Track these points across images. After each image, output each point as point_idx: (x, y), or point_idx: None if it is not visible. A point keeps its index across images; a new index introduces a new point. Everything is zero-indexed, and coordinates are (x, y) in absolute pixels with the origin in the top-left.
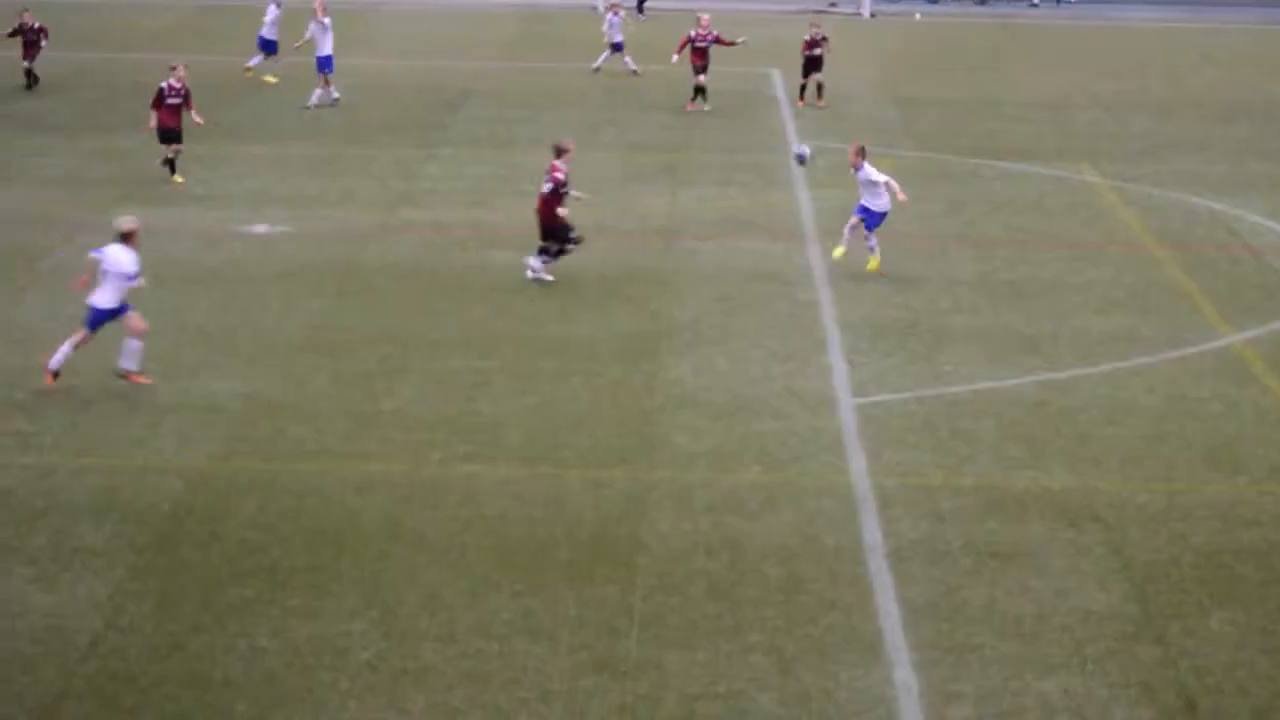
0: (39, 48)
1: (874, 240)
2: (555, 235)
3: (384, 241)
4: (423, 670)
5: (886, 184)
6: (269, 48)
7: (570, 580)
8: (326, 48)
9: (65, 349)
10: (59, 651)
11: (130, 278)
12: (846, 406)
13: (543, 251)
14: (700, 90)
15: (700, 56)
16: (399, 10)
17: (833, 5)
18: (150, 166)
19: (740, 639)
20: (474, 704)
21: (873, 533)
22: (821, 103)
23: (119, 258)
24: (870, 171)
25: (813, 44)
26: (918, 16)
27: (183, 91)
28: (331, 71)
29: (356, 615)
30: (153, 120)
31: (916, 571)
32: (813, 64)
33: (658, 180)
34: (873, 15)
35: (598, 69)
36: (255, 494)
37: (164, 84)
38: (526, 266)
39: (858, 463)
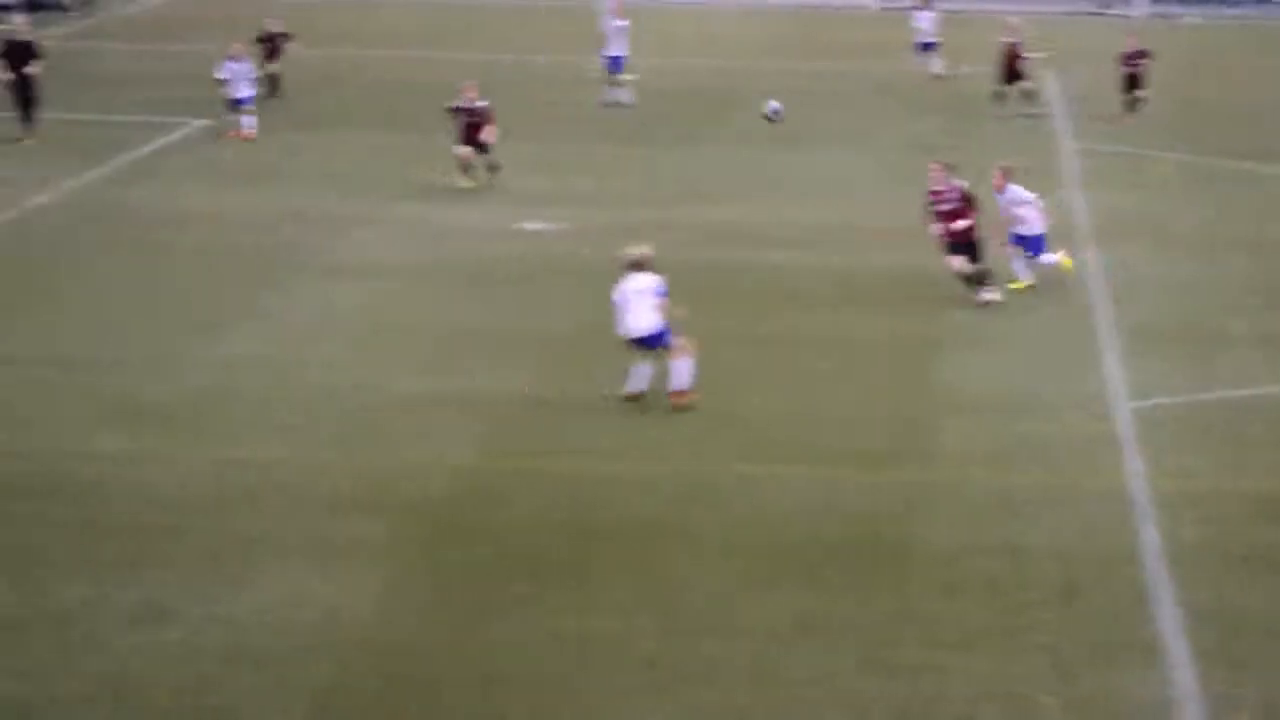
0: (281, 53)
1: (1025, 263)
2: (971, 252)
3: (658, 240)
4: (703, 668)
5: (1033, 202)
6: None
7: (849, 581)
8: (618, 48)
9: (683, 366)
10: (336, 644)
11: (659, 293)
12: (1123, 409)
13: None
14: (1001, 96)
15: (1013, 63)
16: (672, 10)
17: (1105, 8)
18: (425, 163)
19: (1018, 641)
20: (757, 701)
21: (1150, 537)
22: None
23: (640, 283)
24: (1018, 192)
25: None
26: (1187, 19)
27: (477, 110)
28: (619, 73)
29: (634, 612)
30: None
31: (1196, 576)
32: (1132, 79)
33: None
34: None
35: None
36: (530, 490)
37: (456, 104)
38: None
39: (1134, 466)
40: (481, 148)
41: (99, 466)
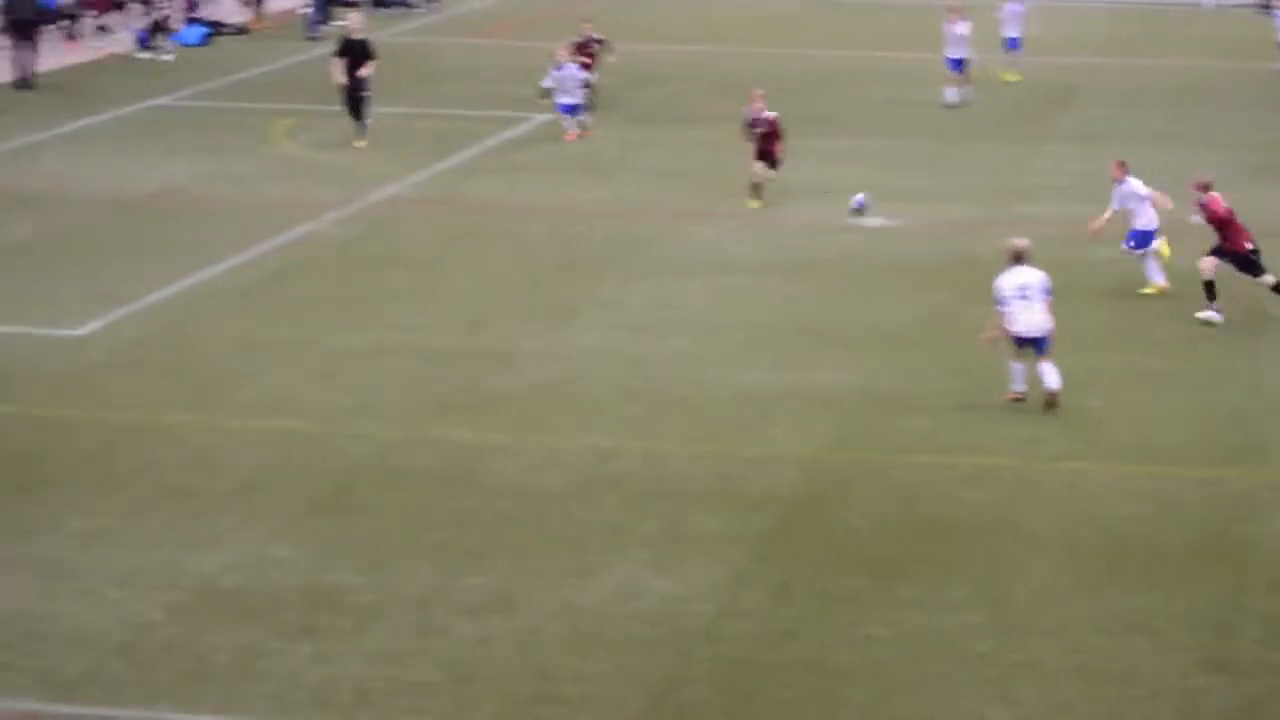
0: (597, 60)
1: (1152, 267)
2: (1244, 266)
3: (995, 236)
4: (1033, 664)
5: (1151, 198)
6: (1014, 45)
7: (1182, 579)
8: (959, 51)
9: (1053, 367)
10: (676, 635)
11: (1047, 292)
12: None
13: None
14: None
15: None
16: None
17: None
18: (745, 160)
19: None
20: (1084, 699)
21: None
22: None
23: (1025, 278)
24: (1136, 185)
25: None
26: None
27: (766, 122)
28: (959, 73)
29: (967, 607)
30: (747, 139)
31: None
32: None
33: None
34: None
35: None
36: (867, 484)
37: (749, 114)
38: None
39: None
40: (772, 163)
41: (445, 455)
